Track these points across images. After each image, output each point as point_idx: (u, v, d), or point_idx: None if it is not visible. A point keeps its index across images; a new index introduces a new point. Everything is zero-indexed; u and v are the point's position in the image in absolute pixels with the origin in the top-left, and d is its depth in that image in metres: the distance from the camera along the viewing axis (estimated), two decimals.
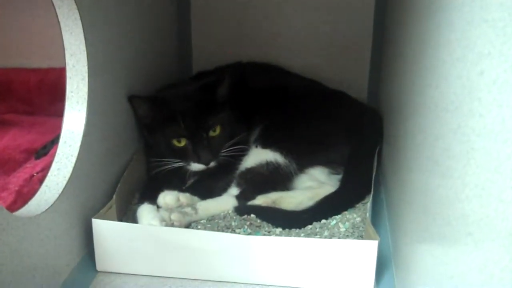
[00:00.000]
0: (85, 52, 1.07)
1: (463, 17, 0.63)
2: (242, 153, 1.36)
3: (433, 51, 0.79)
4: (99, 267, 1.09)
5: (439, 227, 0.69)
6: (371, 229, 1.02)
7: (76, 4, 1.03)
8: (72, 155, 1.06)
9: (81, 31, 1.05)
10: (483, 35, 0.54)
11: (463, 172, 0.59)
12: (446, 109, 0.68)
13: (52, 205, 0.98)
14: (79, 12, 1.04)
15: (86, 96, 1.09)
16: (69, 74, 1.08)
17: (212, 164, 1.31)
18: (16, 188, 1.27)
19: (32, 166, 1.39)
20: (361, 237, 1.14)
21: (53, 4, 1.04)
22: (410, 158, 0.96)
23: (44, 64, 1.92)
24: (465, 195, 0.58)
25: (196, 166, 1.31)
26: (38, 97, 1.88)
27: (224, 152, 1.33)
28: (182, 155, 1.30)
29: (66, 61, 1.08)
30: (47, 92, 1.86)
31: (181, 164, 1.31)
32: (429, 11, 0.83)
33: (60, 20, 1.05)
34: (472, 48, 0.58)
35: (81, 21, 1.05)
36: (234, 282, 1.06)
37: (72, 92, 1.09)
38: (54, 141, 1.39)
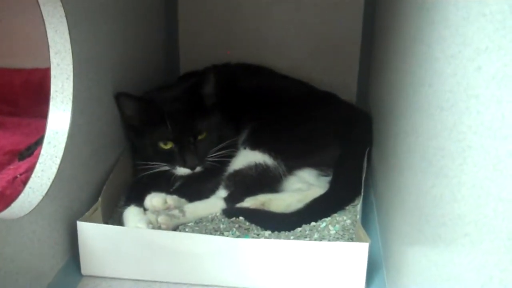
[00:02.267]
0: (70, 51, 1.05)
1: (459, 13, 0.61)
2: (230, 158, 1.34)
3: (426, 48, 0.78)
4: (84, 271, 1.06)
5: (433, 228, 0.68)
6: (361, 231, 1.01)
7: (61, 1, 1.01)
8: (56, 156, 1.04)
9: (66, 28, 1.03)
10: (481, 30, 0.53)
11: (459, 171, 0.57)
12: (440, 107, 0.67)
13: (35, 207, 0.96)
14: (64, 9, 1.02)
15: (71, 95, 1.06)
16: (53, 73, 1.06)
17: (198, 169, 1.29)
18: None
19: (15, 168, 1.36)
20: (351, 239, 1.12)
21: (37, 2, 1.02)
22: (401, 159, 0.95)
23: (28, 64, 1.89)
24: (461, 195, 0.56)
25: (181, 171, 1.29)
26: (23, 98, 1.85)
27: (211, 157, 1.31)
28: (168, 158, 1.28)
29: (51, 59, 1.06)
30: (32, 93, 1.82)
31: (166, 168, 1.29)
32: (422, 8, 0.82)
33: (44, 17, 1.03)
34: (469, 43, 0.56)
35: (66, 19, 1.02)
36: (223, 286, 1.03)
37: (56, 91, 1.06)
38: (38, 142, 1.36)
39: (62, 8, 1.02)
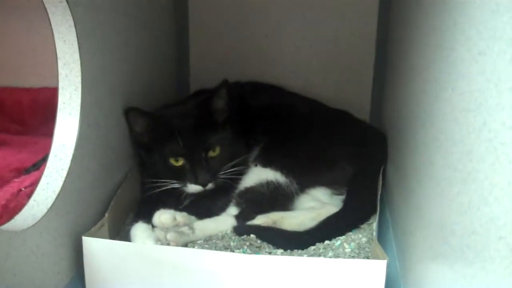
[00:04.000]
0: (79, 61, 1.03)
1: (485, 8, 0.58)
2: (241, 175, 1.31)
3: (449, 52, 0.74)
4: None
5: (460, 238, 0.63)
6: (378, 249, 0.96)
7: (71, 10, 0.99)
8: (62, 169, 1.00)
9: (75, 38, 1.01)
10: None
11: (490, 171, 0.53)
12: (466, 109, 0.63)
13: (39, 220, 0.93)
14: (73, 19, 0.99)
15: (79, 107, 1.04)
16: (61, 84, 1.04)
17: (209, 186, 1.25)
18: (3, 202, 1.21)
19: (20, 181, 1.34)
20: (367, 257, 1.08)
21: (46, 11, 1.00)
22: (421, 172, 0.91)
23: (37, 83, 1.89)
24: (493, 197, 0.52)
25: (192, 188, 1.25)
26: (31, 117, 1.84)
27: (222, 174, 1.28)
28: (179, 175, 1.25)
29: (59, 70, 1.03)
30: (39, 112, 1.81)
31: (177, 185, 1.25)
32: (443, 10, 0.79)
33: (53, 27, 1.01)
34: (500, 36, 0.53)
35: (75, 28, 1.00)
36: None
37: (64, 103, 1.04)
38: (46, 158, 1.34)
39: (71, 17, 0.99)
